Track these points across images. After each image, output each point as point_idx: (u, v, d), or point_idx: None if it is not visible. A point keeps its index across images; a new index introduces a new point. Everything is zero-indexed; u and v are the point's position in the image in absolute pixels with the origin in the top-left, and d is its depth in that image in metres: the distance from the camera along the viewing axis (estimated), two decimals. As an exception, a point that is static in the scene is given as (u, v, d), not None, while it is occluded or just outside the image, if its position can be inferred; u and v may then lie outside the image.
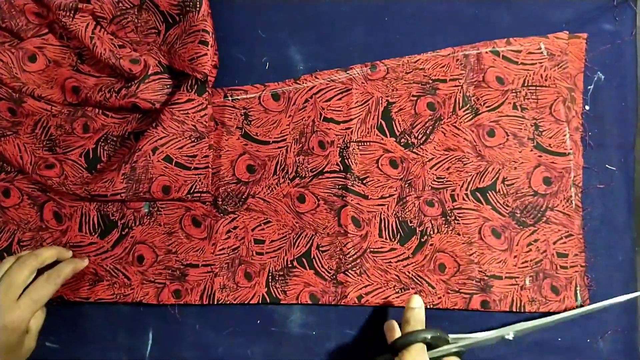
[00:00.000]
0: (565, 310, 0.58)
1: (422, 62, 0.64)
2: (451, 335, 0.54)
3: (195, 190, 0.62)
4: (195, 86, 0.61)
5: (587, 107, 0.62)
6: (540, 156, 0.61)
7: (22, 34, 0.63)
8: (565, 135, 0.61)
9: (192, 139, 0.62)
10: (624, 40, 0.62)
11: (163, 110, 0.61)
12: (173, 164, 0.62)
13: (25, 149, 0.63)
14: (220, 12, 0.63)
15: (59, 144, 0.63)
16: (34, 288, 0.54)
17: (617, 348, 0.59)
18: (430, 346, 0.52)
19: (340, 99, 0.64)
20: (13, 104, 0.63)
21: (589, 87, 0.62)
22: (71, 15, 0.61)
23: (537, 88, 0.62)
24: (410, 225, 0.62)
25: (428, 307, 0.59)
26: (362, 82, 0.64)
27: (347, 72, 0.64)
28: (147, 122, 0.63)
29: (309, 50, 0.64)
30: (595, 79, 0.62)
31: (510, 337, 0.55)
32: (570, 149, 0.61)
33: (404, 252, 0.61)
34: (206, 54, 0.60)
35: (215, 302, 0.61)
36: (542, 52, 0.62)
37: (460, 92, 0.63)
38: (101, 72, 0.64)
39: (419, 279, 0.61)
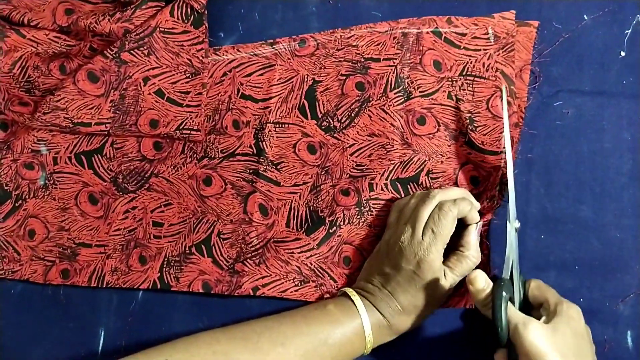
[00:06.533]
0: None
1: (356, 39, 0.58)
2: None
3: (185, 127, 0.58)
4: (192, 17, 0.57)
5: (622, 53, 0.57)
6: (469, 153, 0.56)
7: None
8: (501, 133, 0.55)
9: (187, 75, 0.58)
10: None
11: (155, 37, 0.57)
12: (165, 99, 0.57)
13: None
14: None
15: (37, 87, 0.58)
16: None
17: (638, 312, 0.55)
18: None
19: (261, 74, 0.59)
20: None
21: (627, 31, 0.57)
22: None
23: (475, 79, 0.56)
24: (320, 215, 0.57)
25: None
26: (288, 58, 0.58)
27: (273, 46, 0.59)
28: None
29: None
30: (634, 22, 0.56)
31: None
32: (504, 148, 0.55)
33: (309, 243, 0.56)
34: (204, -19, 0.56)
35: (104, 285, 0.58)
36: (488, 38, 0.56)
37: (393, 73, 0.57)
38: (97, -3, 0.59)
39: (321, 271, 0.57)
